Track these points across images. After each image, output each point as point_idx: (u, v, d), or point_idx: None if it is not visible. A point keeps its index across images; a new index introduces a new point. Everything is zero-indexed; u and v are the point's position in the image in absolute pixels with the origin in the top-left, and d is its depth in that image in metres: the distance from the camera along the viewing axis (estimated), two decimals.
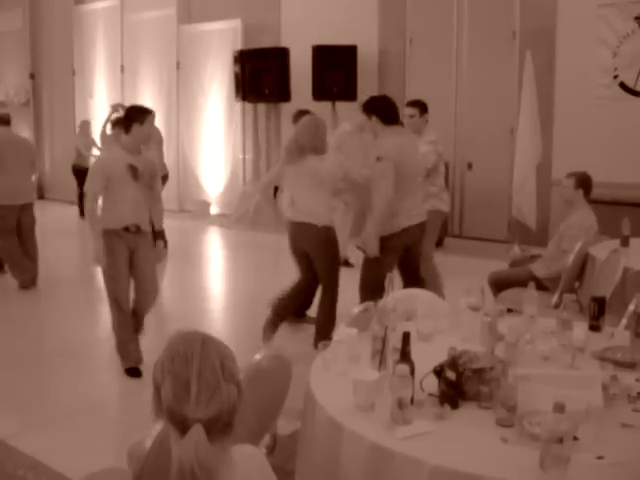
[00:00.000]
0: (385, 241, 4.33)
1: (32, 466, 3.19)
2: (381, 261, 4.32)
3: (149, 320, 4.80)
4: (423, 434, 1.93)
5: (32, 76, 12.96)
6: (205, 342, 1.37)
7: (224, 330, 5.34)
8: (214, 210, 10.48)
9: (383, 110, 4.39)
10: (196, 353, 1.34)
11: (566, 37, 7.37)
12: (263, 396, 2.22)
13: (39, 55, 12.88)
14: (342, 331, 2.50)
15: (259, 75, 9.12)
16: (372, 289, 4.11)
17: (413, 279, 4.62)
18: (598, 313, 2.79)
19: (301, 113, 5.96)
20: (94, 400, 4.03)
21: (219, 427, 1.31)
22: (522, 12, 7.76)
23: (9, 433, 3.53)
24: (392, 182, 4.19)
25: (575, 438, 1.79)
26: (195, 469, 1.21)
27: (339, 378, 2.27)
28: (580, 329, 2.61)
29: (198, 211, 10.47)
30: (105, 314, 5.91)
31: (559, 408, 1.69)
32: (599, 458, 1.77)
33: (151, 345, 5.24)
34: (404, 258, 4.55)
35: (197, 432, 1.26)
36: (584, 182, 4.66)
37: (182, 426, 1.30)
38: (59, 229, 9.42)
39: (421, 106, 5.43)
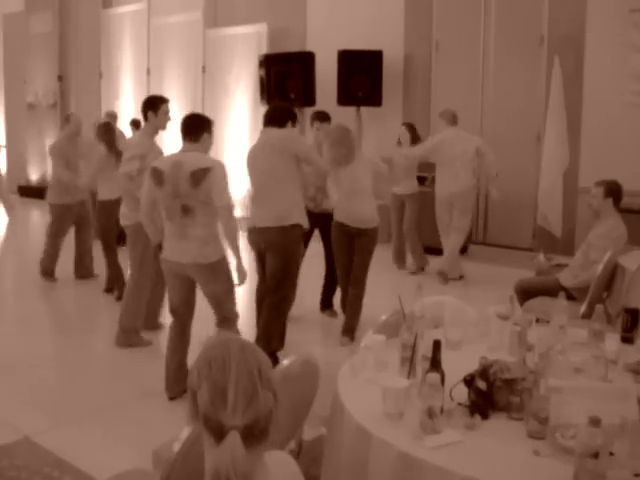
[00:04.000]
0: None
1: (57, 464, 3.21)
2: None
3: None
4: (452, 444, 1.91)
5: (60, 78, 13.12)
6: (243, 348, 1.36)
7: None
8: (238, 213, 10.47)
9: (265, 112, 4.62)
10: (234, 359, 1.33)
11: (595, 43, 7.28)
12: (292, 401, 2.21)
13: (67, 57, 13.04)
14: (370, 337, 2.48)
15: (284, 79, 9.13)
16: None
17: None
18: (631, 325, 2.74)
19: (318, 115, 5.88)
20: (120, 400, 4.05)
21: (255, 434, 1.30)
22: (550, 17, 7.69)
23: (35, 430, 3.56)
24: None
25: (610, 453, 1.75)
26: (231, 476, 1.20)
27: (367, 385, 2.25)
28: (612, 341, 2.57)
29: None
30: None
31: (595, 422, 1.66)
32: (636, 476, 1.73)
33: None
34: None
35: (234, 439, 1.24)
36: (614, 191, 4.58)
37: (218, 432, 1.28)
38: None
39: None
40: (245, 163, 4.60)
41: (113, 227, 6.03)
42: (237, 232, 3.84)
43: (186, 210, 3.74)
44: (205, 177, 3.68)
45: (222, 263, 3.88)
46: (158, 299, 5.23)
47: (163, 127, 4.94)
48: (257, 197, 4.50)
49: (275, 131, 4.39)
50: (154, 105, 4.81)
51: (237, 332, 3.93)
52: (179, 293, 3.97)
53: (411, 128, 7.26)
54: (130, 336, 4.94)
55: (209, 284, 3.87)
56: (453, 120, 6.85)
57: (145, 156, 4.67)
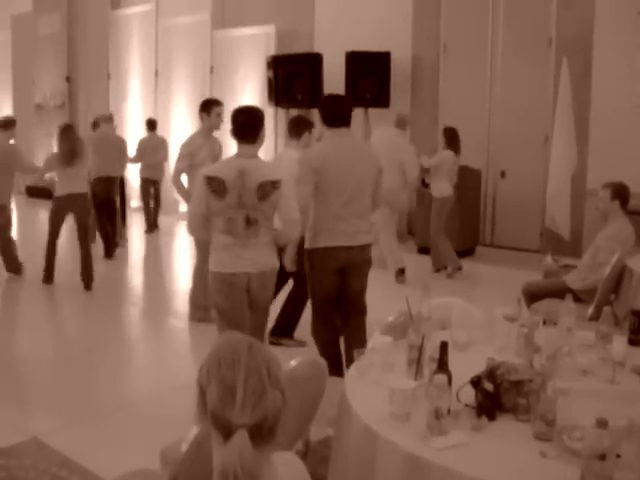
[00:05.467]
0: (311, 256, 3.95)
1: (65, 463, 3.23)
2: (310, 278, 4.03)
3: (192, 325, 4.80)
4: (459, 445, 1.91)
5: (68, 79, 13.18)
6: (251, 348, 1.38)
7: None
8: None
9: (327, 109, 3.90)
10: (243, 358, 1.34)
11: (603, 44, 7.27)
12: (299, 402, 2.22)
13: (75, 58, 13.09)
14: (377, 339, 2.49)
15: (292, 80, 9.15)
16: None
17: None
18: (638, 327, 2.74)
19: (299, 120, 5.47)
20: (127, 400, 4.07)
21: (263, 433, 1.31)
22: (559, 18, 7.69)
23: (44, 430, 3.58)
24: (309, 189, 3.77)
25: (617, 455, 1.75)
26: (238, 474, 1.21)
27: (374, 386, 2.26)
28: (620, 343, 2.57)
29: None
30: (137, 313, 6.00)
31: (602, 424, 1.66)
32: None
33: (182, 349, 5.29)
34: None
35: (241, 437, 1.25)
36: (621, 193, 4.58)
37: (226, 431, 1.30)
38: None
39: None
40: (311, 167, 3.83)
41: (59, 222, 6.56)
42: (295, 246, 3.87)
43: (250, 222, 3.43)
44: (274, 191, 3.41)
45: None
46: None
47: (216, 127, 5.37)
48: (345, 212, 3.82)
49: (363, 144, 4.17)
50: (207, 108, 5.33)
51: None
52: (243, 307, 3.57)
53: (446, 132, 7.12)
54: (200, 312, 5.43)
55: (269, 291, 3.63)
56: (398, 123, 6.88)
57: (194, 154, 5.16)
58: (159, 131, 9.92)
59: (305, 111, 9.57)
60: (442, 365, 2.10)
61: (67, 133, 6.57)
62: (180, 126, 11.08)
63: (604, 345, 2.55)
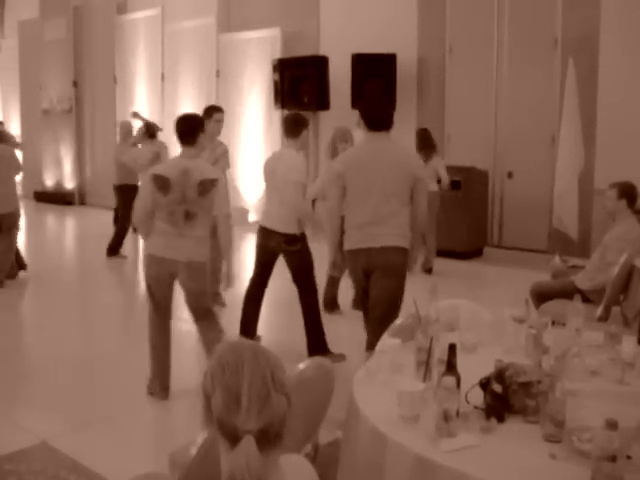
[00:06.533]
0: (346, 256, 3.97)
1: (74, 468, 3.23)
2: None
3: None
4: (468, 447, 1.91)
5: (75, 84, 13.25)
6: (255, 353, 1.37)
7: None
8: (252, 217, 10.53)
9: (365, 113, 3.89)
10: (247, 364, 1.34)
11: (610, 44, 7.25)
12: (307, 405, 2.22)
13: (82, 63, 13.15)
14: (386, 341, 2.49)
15: (298, 83, 9.16)
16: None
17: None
18: None
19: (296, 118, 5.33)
20: (136, 404, 4.08)
21: (269, 438, 1.30)
22: (564, 19, 7.67)
23: (52, 434, 3.59)
24: (336, 192, 3.84)
25: (628, 457, 1.74)
26: None
27: (383, 388, 2.25)
28: (629, 343, 2.55)
29: (236, 218, 10.43)
30: (145, 317, 5.99)
31: (612, 425, 1.65)
32: None
33: (189, 352, 5.30)
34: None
35: (248, 443, 1.25)
36: (628, 192, 4.56)
37: (232, 437, 1.29)
38: (100, 233, 9.53)
39: None
40: (350, 167, 3.84)
41: None
42: (232, 240, 4.09)
43: (189, 216, 3.87)
44: (212, 188, 3.86)
45: (207, 264, 4.06)
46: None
47: (216, 132, 5.65)
48: (370, 215, 3.75)
49: (398, 148, 3.90)
50: (207, 113, 5.60)
51: (219, 323, 4.17)
52: (168, 289, 4.10)
53: (416, 134, 7.17)
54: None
55: (198, 281, 4.00)
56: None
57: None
58: (165, 136, 9.90)
59: (311, 114, 9.60)
60: (450, 367, 2.10)
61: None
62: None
63: (613, 346, 2.54)
